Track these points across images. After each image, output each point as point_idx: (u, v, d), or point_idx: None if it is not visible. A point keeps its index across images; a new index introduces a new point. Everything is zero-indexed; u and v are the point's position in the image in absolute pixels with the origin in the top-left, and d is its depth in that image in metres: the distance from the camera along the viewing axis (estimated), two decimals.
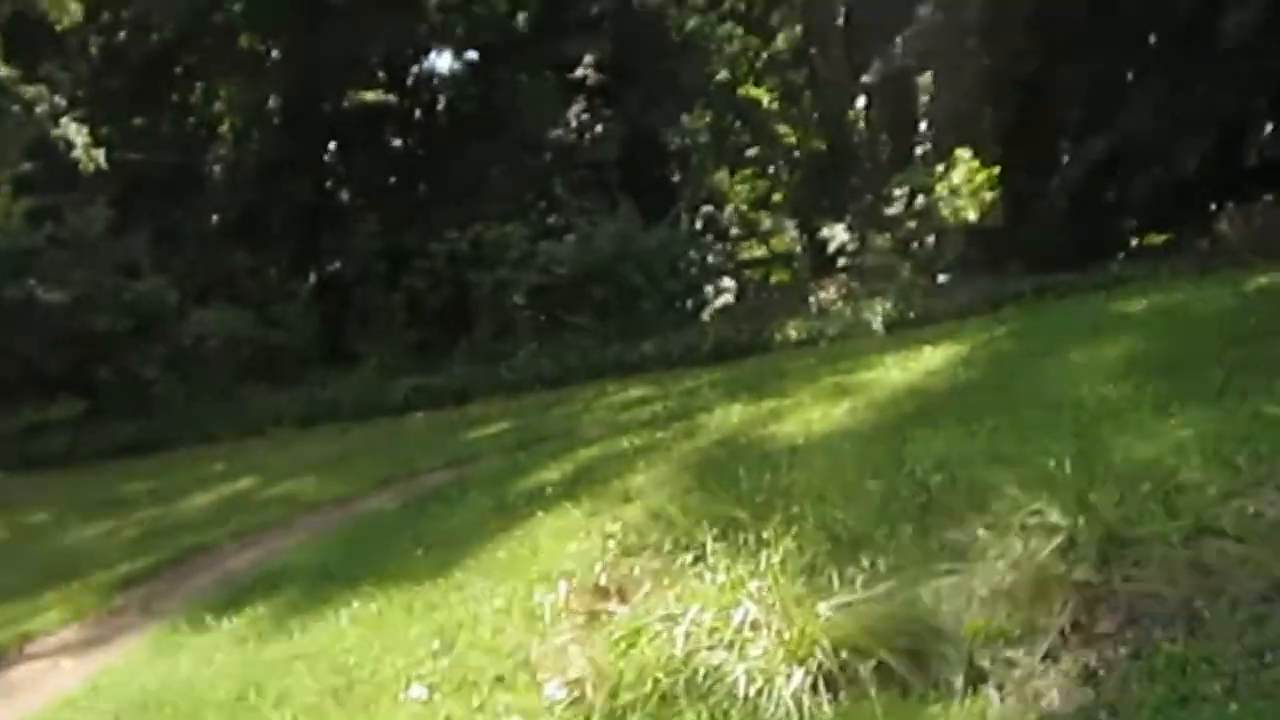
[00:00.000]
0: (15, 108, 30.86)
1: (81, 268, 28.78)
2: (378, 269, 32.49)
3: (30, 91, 31.22)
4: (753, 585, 8.41)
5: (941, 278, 26.05)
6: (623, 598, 8.96)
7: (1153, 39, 27.06)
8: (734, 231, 34.15)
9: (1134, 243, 25.81)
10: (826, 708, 7.50)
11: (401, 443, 20.30)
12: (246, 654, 10.09)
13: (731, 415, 14.29)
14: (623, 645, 8.32)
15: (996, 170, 26.71)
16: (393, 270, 31.83)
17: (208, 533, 15.41)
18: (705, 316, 28.03)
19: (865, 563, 8.59)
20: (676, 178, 34.95)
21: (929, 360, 15.42)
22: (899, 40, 33.31)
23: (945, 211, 26.79)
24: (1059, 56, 25.94)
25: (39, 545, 17.11)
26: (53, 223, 29.64)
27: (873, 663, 7.59)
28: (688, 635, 8.12)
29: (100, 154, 31.63)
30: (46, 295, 27.49)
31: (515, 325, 28.01)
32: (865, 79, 36.02)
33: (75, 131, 31.46)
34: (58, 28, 35.93)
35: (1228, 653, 7.12)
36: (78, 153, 31.12)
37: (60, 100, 32.66)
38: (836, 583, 8.36)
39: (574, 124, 34.56)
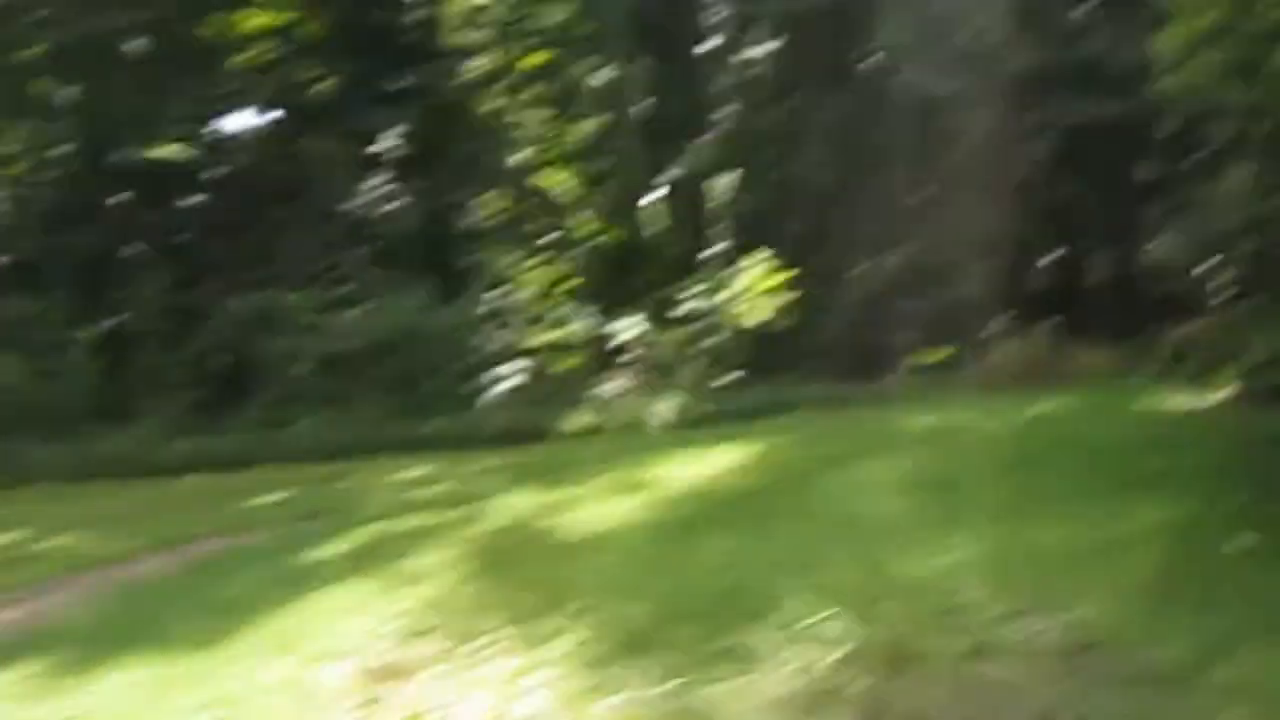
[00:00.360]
0: None
1: None
2: (162, 326, 31.96)
3: None
4: (537, 676, 8.41)
5: (728, 378, 26.29)
6: (403, 682, 8.88)
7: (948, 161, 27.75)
8: (524, 316, 34.11)
9: (916, 358, 26.28)
10: None
11: (179, 505, 19.92)
12: (12, 713, 9.81)
13: (519, 501, 14.20)
14: None
15: (789, 276, 27.13)
16: (178, 328, 31.36)
17: None
18: (491, 399, 27.97)
19: (650, 661, 8.61)
20: (471, 258, 34.91)
21: (717, 461, 15.50)
22: (699, 139, 33.76)
23: (735, 313, 27.13)
24: (855, 170, 26.49)
25: None
26: None
27: None
28: None
29: None
30: None
31: (299, 394, 27.71)
32: (665, 174, 36.38)
33: None
34: None
35: None
36: None
37: None
38: (621, 679, 8.38)
39: (372, 196, 34.41)
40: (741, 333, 27.38)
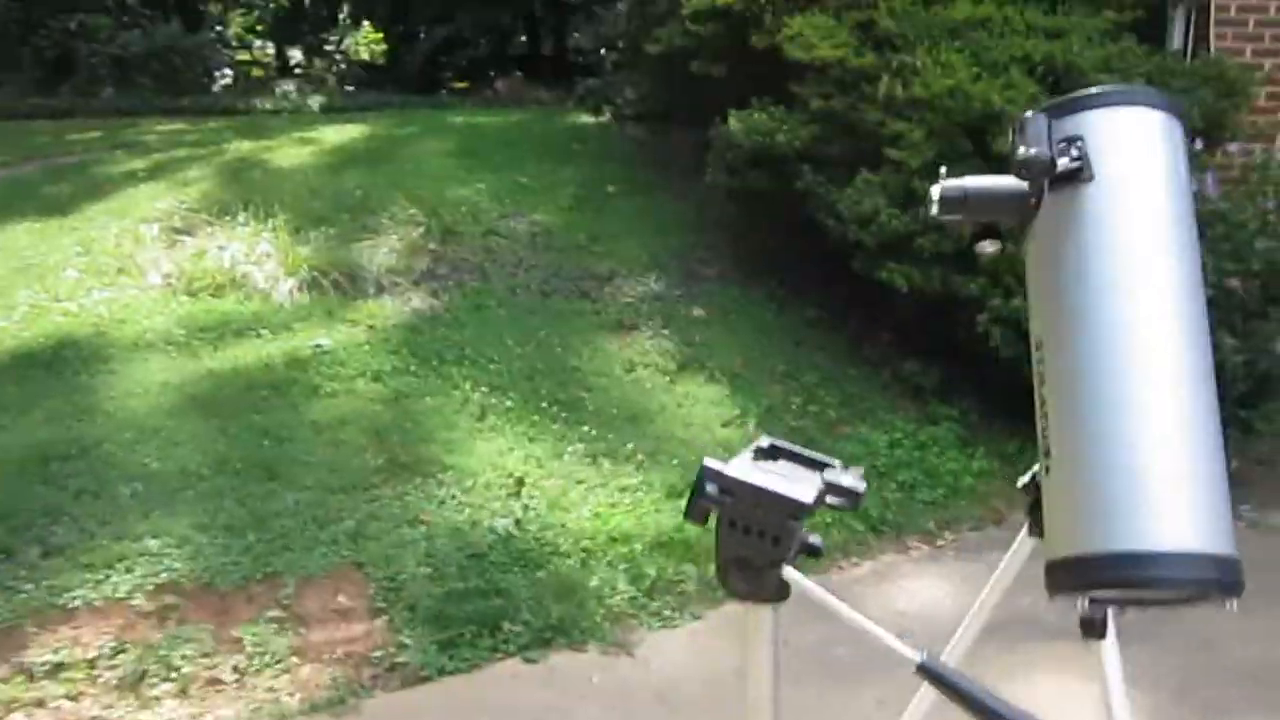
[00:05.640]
0: None
1: None
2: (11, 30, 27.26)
3: None
4: (266, 233, 8.65)
5: (349, 89, 25.28)
6: (191, 234, 8.95)
7: None
8: (233, 43, 31.11)
9: (453, 85, 25.82)
10: (304, 298, 7.94)
11: (34, 136, 17.85)
12: None
13: (243, 146, 13.62)
14: (195, 258, 8.39)
15: (383, 33, 26.30)
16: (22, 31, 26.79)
17: None
18: (216, 89, 25.92)
19: (324, 229, 8.96)
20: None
21: (351, 132, 14.97)
22: None
23: (352, 53, 26.21)
24: None
25: None
26: None
27: (330, 279, 8.05)
28: (231, 256, 8.30)
29: None
30: None
31: (104, 76, 24.62)
32: None
33: None
34: None
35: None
36: None
37: None
38: (311, 237, 8.71)
39: None
40: (357, 64, 26.40)
